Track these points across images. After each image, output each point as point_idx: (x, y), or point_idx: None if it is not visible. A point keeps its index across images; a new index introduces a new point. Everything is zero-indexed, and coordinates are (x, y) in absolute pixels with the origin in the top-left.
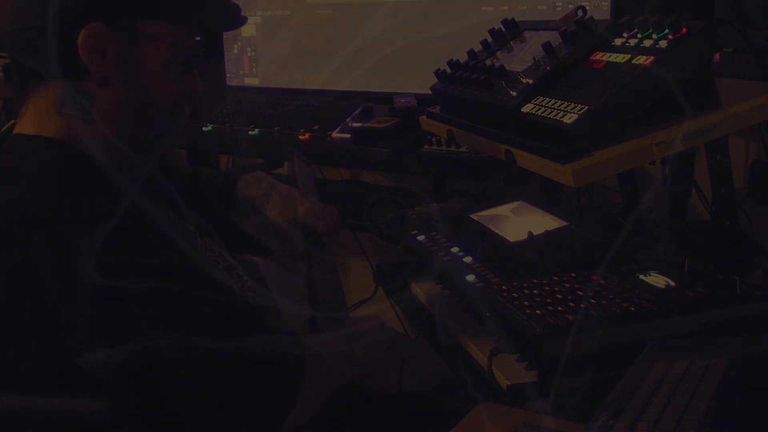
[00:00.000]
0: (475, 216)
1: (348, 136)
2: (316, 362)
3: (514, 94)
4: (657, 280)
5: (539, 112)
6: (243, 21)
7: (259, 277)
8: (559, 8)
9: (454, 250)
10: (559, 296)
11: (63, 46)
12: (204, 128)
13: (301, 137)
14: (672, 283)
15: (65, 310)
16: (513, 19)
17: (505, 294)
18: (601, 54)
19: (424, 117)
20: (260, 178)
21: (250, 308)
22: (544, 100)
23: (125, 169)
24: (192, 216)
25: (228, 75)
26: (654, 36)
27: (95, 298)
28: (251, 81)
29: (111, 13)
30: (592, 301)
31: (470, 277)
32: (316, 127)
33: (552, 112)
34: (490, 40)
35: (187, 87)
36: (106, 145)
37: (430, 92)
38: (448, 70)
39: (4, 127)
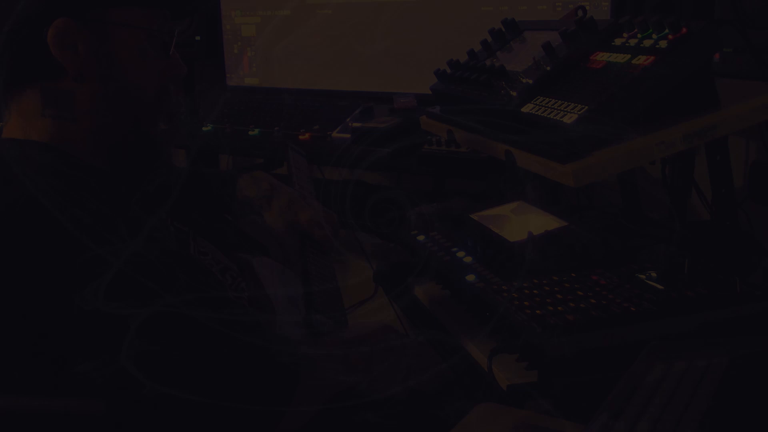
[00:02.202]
0: (475, 216)
1: (348, 136)
2: (310, 367)
3: (514, 94)
4: (657, 279)
5: (539, 112)
6: None
7: (254, 277)
8: (559, 8)
9: (454, 250)
10: (559, 296)
11: (34, 46)
12: (204, 128)
13: (301, 137)
14: (672, 283)
15: (57, 324)
16: (513, 19)
17: (505, 294)
18: (601, 54)
19: (424, 117)
20: (260, 179)
21: (244, 312)
22: (544, 100)
23: (116, 169)
24: (186, 216)
25: (228, 75)
26: (654, 36)
27: (88, 315)
28: (251, 81)
29: (76, 6)
30: (592, 301)
31: (470, 277)
32: (316, 127)
33: (552, 112)
34: (490, 40)
35: (170, 71)
36: (94, 144)
37: (430, 92)
38: (448, 70)
39: None
